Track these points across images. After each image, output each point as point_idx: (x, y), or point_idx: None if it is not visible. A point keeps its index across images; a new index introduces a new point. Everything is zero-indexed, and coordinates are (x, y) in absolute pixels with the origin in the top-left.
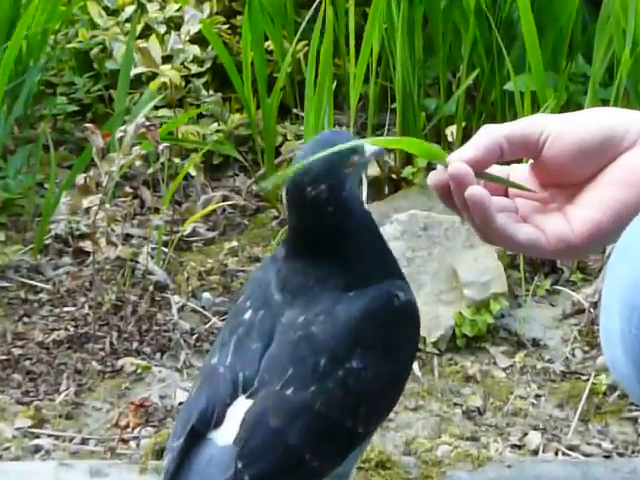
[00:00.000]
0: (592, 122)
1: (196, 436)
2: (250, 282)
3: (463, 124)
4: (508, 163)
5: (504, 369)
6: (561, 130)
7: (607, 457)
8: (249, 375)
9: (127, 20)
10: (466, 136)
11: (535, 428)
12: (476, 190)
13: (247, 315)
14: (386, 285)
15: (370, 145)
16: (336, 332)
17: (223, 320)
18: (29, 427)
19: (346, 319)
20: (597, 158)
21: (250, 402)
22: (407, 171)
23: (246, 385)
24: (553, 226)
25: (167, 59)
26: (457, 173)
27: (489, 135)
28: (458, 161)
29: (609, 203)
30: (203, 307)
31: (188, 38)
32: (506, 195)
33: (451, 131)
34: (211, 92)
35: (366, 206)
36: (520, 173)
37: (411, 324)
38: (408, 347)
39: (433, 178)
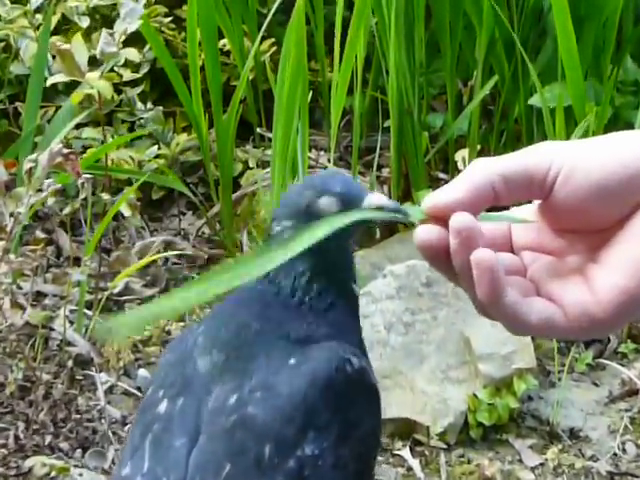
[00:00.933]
0: (614, 154)
1: None
2: (160, 368)
3: (478, 147)
4: (506, 207)
5: (533, 469)
6: (574, 164)
7: None
8: None
9: (37, 10)
10: None
11: None
12: (486, 254)
13: (162, 407)
14: (332, 346)
15: (378, 197)
16: (280, 411)
17: None
18: None
19: (290, 393)
20: (622, 201)
21: None
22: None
23: None
24: (572, 296)
25: (92, 62)
26: (463, 227)
27: (480, 172)
28: (462, 213)
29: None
30: (138, 388)
31: (124, 38)
32: (510, 250)
33: (462, 156)
34: (149, 105)
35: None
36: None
37: (370, 394)
38: (371, 422)
39: (424, 234)
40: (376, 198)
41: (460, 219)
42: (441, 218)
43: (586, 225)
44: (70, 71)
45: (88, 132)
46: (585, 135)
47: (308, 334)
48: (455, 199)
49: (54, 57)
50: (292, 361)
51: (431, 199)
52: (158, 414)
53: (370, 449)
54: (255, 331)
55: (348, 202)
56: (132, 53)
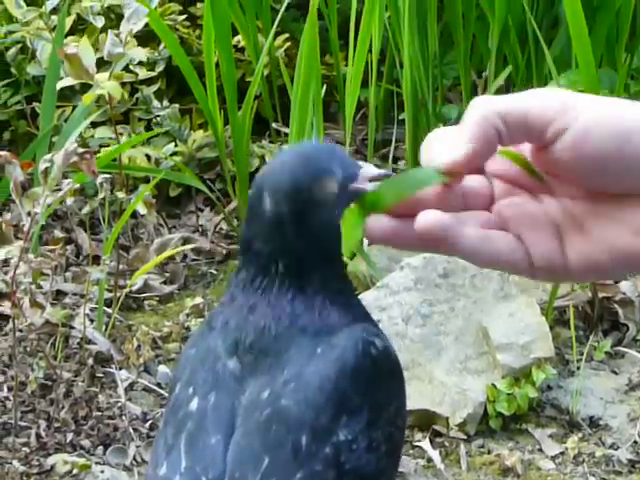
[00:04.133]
0: (632, 120)
1: None
2: (184, 363)
3: None
4: None
5: (553, 458)
6: (587, 126)
7: None
8: (214, 477)
9: (53, 11)
10: None
11: None
12: (429, 223)
13: (193, 405)
14: (356, 330)
15: (368, 168)
16: (313, 400)
17: None
18: None
19: (321, 382)
20: (627, 176)
21: None
22: None
23: None
24: (541, 249)
25: (106, 62)
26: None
27: (483, 116)
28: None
29: (624, 251)
30: (159, 384)
31: (130, 38)
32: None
33: None
34: (165, 103)
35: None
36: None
37: (396, 376)
38: (398, 402)
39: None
40: (370, 171)
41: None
42: (458, 173)
43: (578, 184)
44: (78, 74)
45: (102, 131)
46: None
47: (326, 323)
48: (470, 152)
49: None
50: (319, 350)
51: (448, 156)
52: (190, 412)
53: (398, 429)
54: (275, 331)
55: (347, 182)
56: (140, 53)
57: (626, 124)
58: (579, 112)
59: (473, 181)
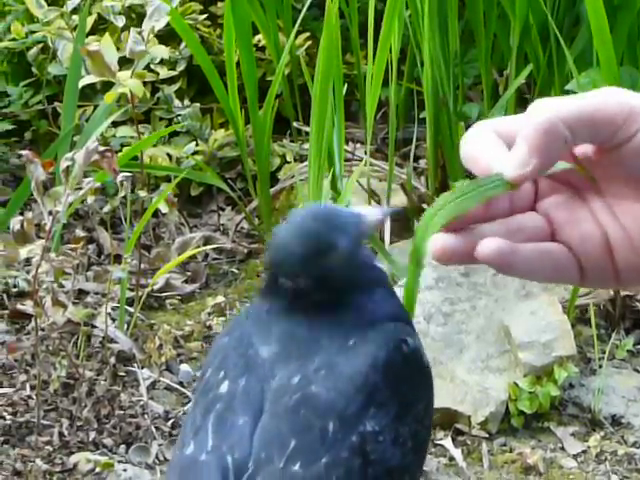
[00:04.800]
0: None
1: None
2: (216, 351)
3: None
4: None
5: (575, 456)
6: None
7: None
8: (240, 457)
9: (74, 11)
10: None
11: None
12: (487, 250)
13: (224, 387)
14: (389, 328)
15: (370, 212)
16: (342, 389)
17: None
18: None
19: (352, 372)
20: None
21: None
22: None
23: (239, 470)
24: (594, 262)
25: (127, 61)
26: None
27: (550, 124)
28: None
29: None
30: (181, 383)
31: (152, 36)
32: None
33: None
34: (186, 102)
35: (376, 262)
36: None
37: (425, 375)
38: (425, 402)
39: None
40: (372, 215)
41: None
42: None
43: (629, 191)
44: (100, 72)
45: (124, 131)
46: None
47: (360, 319)
48: (538, 167)
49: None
50: (351, 343)
51: (514, 169)
52: (220, 394)
53: (425, 427)
54: (309, 322)
55: (354, 240)
56: (162, 51)
57: None
58: None
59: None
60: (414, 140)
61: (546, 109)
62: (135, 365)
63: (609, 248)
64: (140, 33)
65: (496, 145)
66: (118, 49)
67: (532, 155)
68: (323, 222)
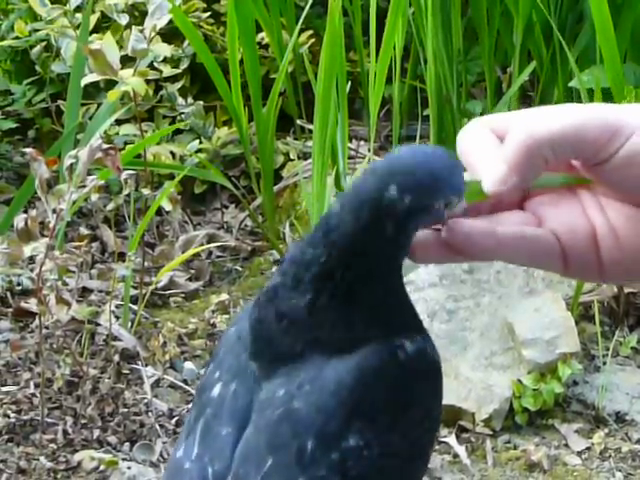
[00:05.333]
0: None
1: None
2: (222, 342)
3: None
4: None
5: (579, 453)
6: None
7: None
8: (219, 470)
9: (77, 9)
10: None
11: None
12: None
13: (216, 390)
14: (385, 338)
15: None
16: (324, 404)
17: None
18: None
19: (336, 386)
20: None
21: None
22: None
23: None
24: (578, 253)
25: (131, 59)
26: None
27: (532, 144)
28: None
29: None
30: (185, 381)
31: (154, 34)
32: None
33: None
34: (190, 100)
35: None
36: None
37: (428, 376)
38: (425, 406)
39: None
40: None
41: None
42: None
43: (620, 196)
44: (102, 70)
45: (127, 129)
46: None
47: (355, 332)
48: (516, 185)
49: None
50: (340, 356)
51: (492, 184)
52: (212, 397)
53: (427, 431)
54: (301, 343)
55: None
56: (164, 49)
57: None
58: (632, 131)
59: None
60: (417, 137)
61: (528, 128)
62: (139, 363)
63: (596, 242)
64: (142, 31)
65: (489, 142)
66: (121, 47)
67: (511, 174)
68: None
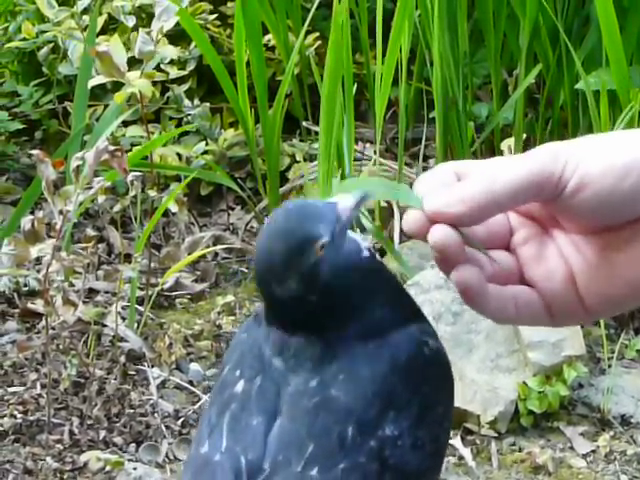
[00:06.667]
0: (626, 156)
1: None
2: (235, 346)
3: (524, 136)
4: None
5: (584, 456)
6: (587, 169)
7: None
8: (254, 458)
9: (84, 11)
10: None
11: None
12: (466, 274)
13: (239, 387)
14: (411, 330)
15: (344, 200)
16: (362, 393)
17: None
18: None
19: (372, 376)
20: (630, 207)
21: None
22: None
23: (252, 471)
24: (558, 295)
25: (138, 61)
26: (443, 245)
27: (483, 191)
28: (443, 226)
29: (637, 281)
30: (190, 382)
31: (161, 36)
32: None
33: (508, 145)
34: (196, 102)
35: (365, 249)
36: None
37: (446, 378)
38: (445, 404)
39: (410, 225)
40: (345, 202)
41: (439, 237)
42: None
43: (584, 225)
44: (109, 72)
45: (134, 130)
46: (631, 121)
47: (377, 325)
48: (457, 214)
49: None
50: (371, 347)
51: (435, 205)
52: (235, 393)
53: (444, 431)
54: (322, 342)
55: (334, 228)
56: (170, 51)
57: (622, 161)
58: (575, 165)
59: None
60: (423, 140)
61: (483, 180)
62: (145, 364)
63: (573, 280)
64: (149, 33)
65: (450, 178)
66: (128, 49)
67: (460, 203)
68: (297, 216)
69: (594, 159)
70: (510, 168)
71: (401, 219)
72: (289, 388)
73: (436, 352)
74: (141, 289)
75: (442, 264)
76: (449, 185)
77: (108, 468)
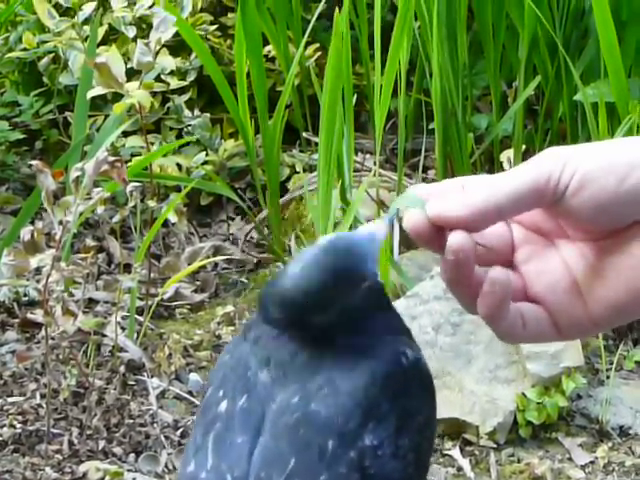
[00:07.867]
0: (628, 161)
1: None
2: (219, 367)
3: (523, 147)
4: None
5: (583, 467)
6: (587, 173)
7: None
8: (239, 476)
9: (85, 21)
10: None
11: None
12: (502, 276)
13: (222, 407)
14: (391, 341)
15: (379, 230)
16: (341, 405)
17: None
18: None
19: (351, 389)
20: (630, 211)
21: None
22: None
23: None
24: (564, 308)
25: (138, 72)
26: (460, 249)
27: (485, 197)
28: (460, 232)
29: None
30: (190, 392)
31: (159, 47)
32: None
33: (507, 156)
34: (196, 112)
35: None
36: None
37: (426, 387)
38: (427, 413)
39: (411, 225)
40: (378, 230)
41: (458, 242)
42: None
43: (588, 230)
44: (107, 83)
45: (134, 140)
46: (629, 133)
47: (360, 338)
48: (458, 218)
49: None
50: (352, 360)
51: (437, 209)
52: (219, 413)
53: (426, 439)
54: (307, 352)
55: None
56: (169, 62)
57: (622, 162)
58: (575, 166)
59: (496, 226)
60: (423, 151)
61: (482, 192)
62: (145, 374)
63: (577, 289)
64: (147, 44)
65: (455, 187)
66: (129, 59)
67: (464, 209)
68: (345, 253)
69: (594, 159)
70: (511, 175)
71: (400, 230)
72: (273, 406)
73: (414, 363)
74: (141, 299)
75: (453, 271)
76: (454, 192)
77: (107, 478)
